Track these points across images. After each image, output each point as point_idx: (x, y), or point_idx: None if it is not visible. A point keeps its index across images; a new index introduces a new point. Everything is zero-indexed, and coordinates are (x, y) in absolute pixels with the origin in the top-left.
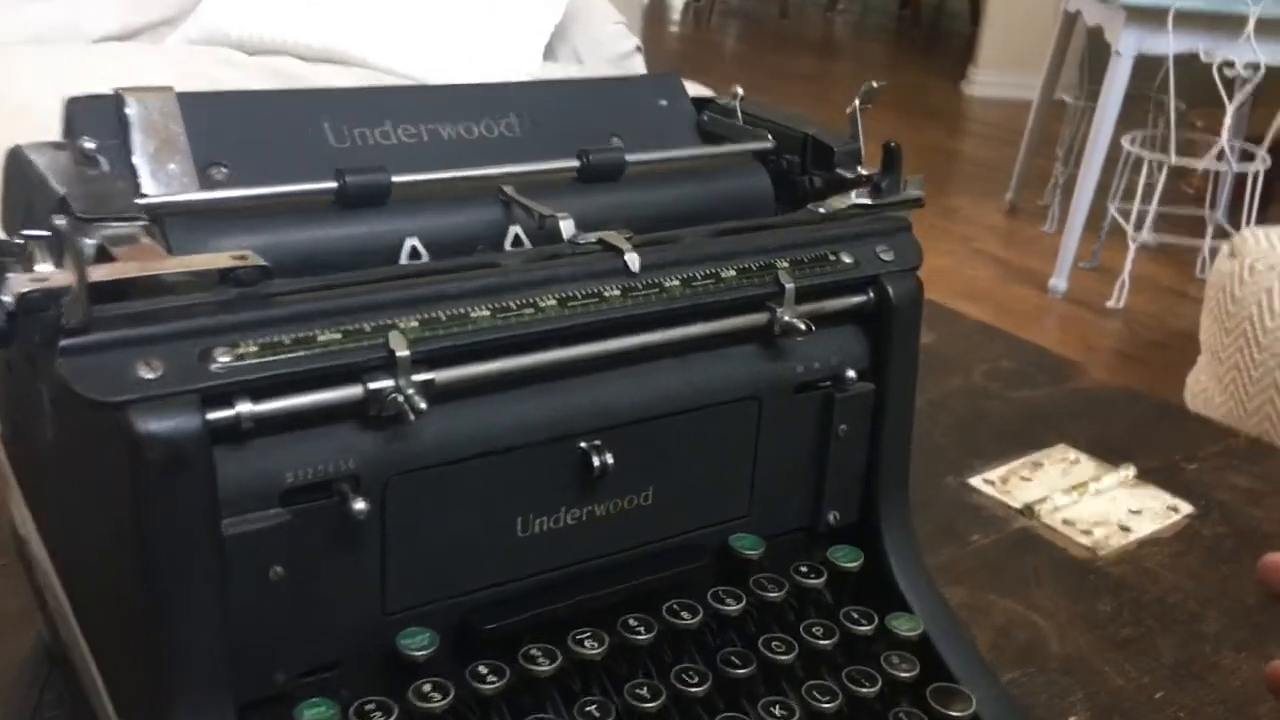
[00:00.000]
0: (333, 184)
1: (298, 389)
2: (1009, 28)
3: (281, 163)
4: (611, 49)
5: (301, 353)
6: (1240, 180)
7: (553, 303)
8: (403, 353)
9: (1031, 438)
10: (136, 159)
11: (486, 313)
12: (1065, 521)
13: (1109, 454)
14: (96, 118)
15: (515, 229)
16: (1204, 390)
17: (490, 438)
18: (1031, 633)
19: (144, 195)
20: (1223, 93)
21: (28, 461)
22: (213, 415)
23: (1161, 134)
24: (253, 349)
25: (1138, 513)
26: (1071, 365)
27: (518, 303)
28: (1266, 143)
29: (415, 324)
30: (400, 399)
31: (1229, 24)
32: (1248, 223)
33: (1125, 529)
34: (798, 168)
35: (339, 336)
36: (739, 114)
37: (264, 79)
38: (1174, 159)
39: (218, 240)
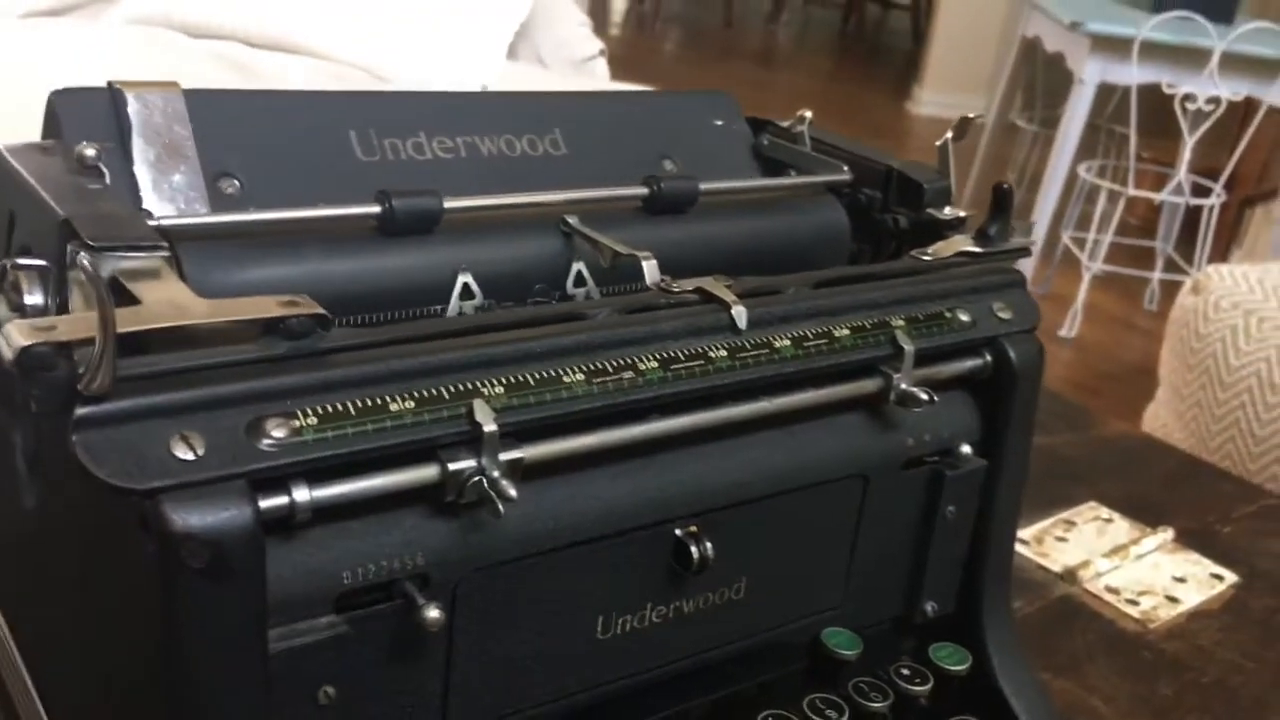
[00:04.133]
0: (375, 207)
1: (363, 470)
2: (955, 48)
3: (301, 178)
4: (575, 51)
5: (370, 425)
6: (1189, 213)
7: (654, 365)
8: (490, 427)
9: (1059, 493)
10: (138, 168)
11: (580, 376)
12: (1109, 589)
13: (1140, 513)
14: (88, 116)
15: (579, 266)
16: (1163, 426)
17: (579, 525)
18: None
19: (152, 215)
20: (1183, 125)
21: None
22: (265, 504)
23: (1114, 163)
24: (311, 421)
25: (1182, 580)
26: (1086, 412)
27: (615, 364)
28: (1223, 178)
29: (500, 390)
30: (484, 483)
31: (1192, 57)
32: (1203, 257)
33: (1172, 599)
34: (879, 204)
35: (412, 405)
36: (807, 140)
37: (208, 64)
38: (1131, 189)
39: (241, 271)
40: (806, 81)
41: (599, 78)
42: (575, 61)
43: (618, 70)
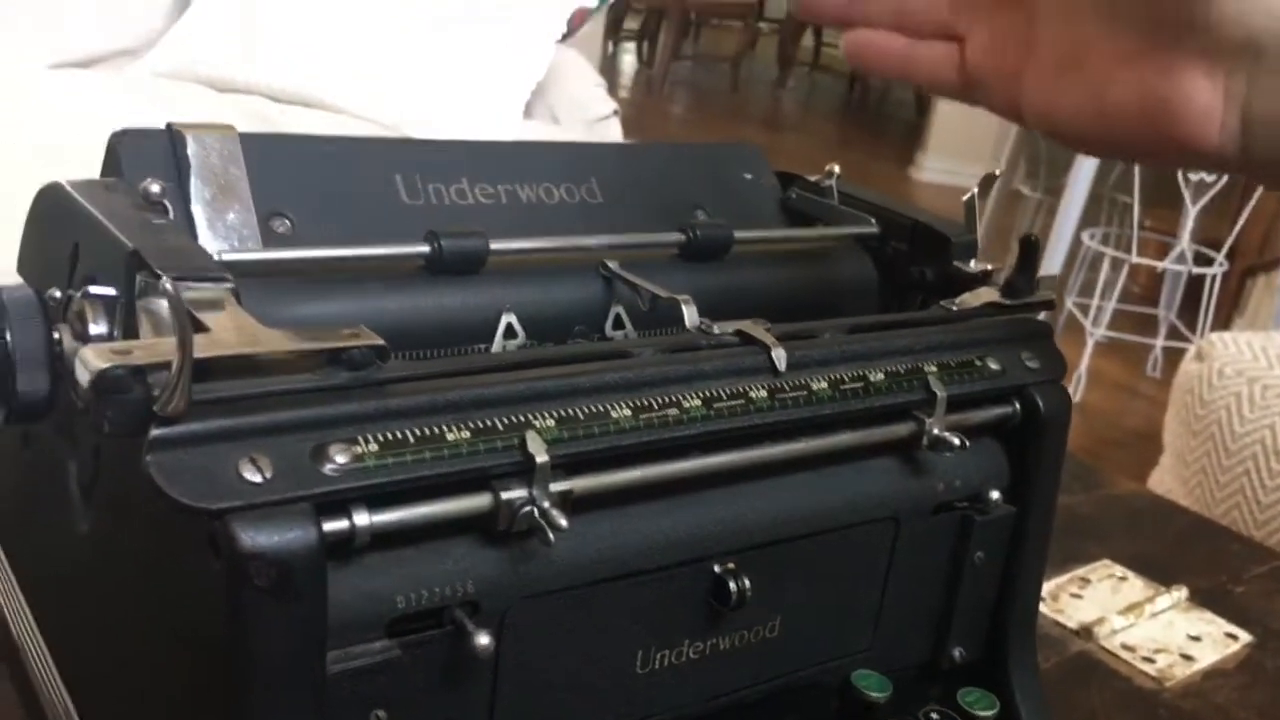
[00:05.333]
0: (424, 247)
1: (420, 497)
2: (959, 117)
3: (349, 218)
4: (590, 111)
5: (428, 454)
6: (1192, 281)
7: (697, 403)
8: (542, 458)
9: (1073, 550)
10: (194, 207)
11: (628, 412)
12: (1125, 646)
13: (1154, 571)
14: (147, 156)
15: (617, 309)
16: (1168, 492)
17: (623, 558)
18: None
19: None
20: (1185, 195)
21: (32, 549)
22: (327, 527)
23: (1117, 231)
24: (373, 448)
25: (1197, 639)
26: (1098, 471)
27: (660, 401)
28: (1225, 248)
29: (551, 423)
30: (535, 513)
31: None
32: (1206, 325)
33: (1188, 658)
34: (905, 257)
35: (468, 435)
36: (835, 193)
37: (232, 118)
38: (1135, 257)
39: (296, 306)
40: (812, 147)
41: (612, 137)
42: (589, 121)
43: (627, 132)
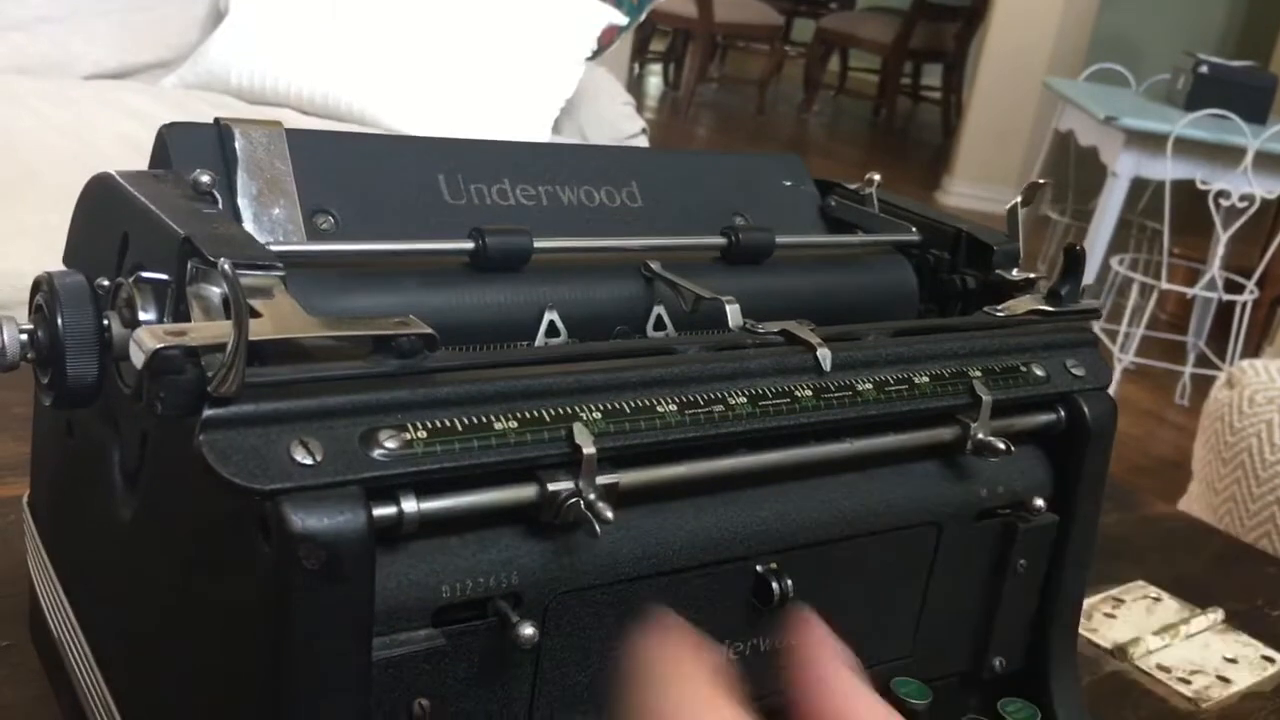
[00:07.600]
0: (468, 243)
1: (466, 485)
2: (985, 140)
3: (392, 216)
4: (618, 129)
5: (476, 442)
6: (1221, 309)
7: (743, 400)
8: (589, 449)
9: (1107, 570)
10: (240, 200)
11: (674, 407)
12: (1160, 667)
13: (1189, 593)
14: (196, 149)
15: (659, 309)
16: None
17: (667, 555)
18: None
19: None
20: (1216, 221)
21: (72, 537)
22: (376, 513)
23: (1146, 258)
24: (421, 434)
25: (1233, 661)
26: (1132, 492)
27: (706, 398)
28: (1256, 275)
29: (598, 415)
30: (581, 505)
31: (1227, 155)
32: (1235, 353)
33: (1224, 679)
34: (947, 265)
35: (515, 425)
36: (874, 202)
37: None
38: (1164, 284)
39: (341, 299)
40: (838, 169)
41: None
42: (617, 138)
43: None
